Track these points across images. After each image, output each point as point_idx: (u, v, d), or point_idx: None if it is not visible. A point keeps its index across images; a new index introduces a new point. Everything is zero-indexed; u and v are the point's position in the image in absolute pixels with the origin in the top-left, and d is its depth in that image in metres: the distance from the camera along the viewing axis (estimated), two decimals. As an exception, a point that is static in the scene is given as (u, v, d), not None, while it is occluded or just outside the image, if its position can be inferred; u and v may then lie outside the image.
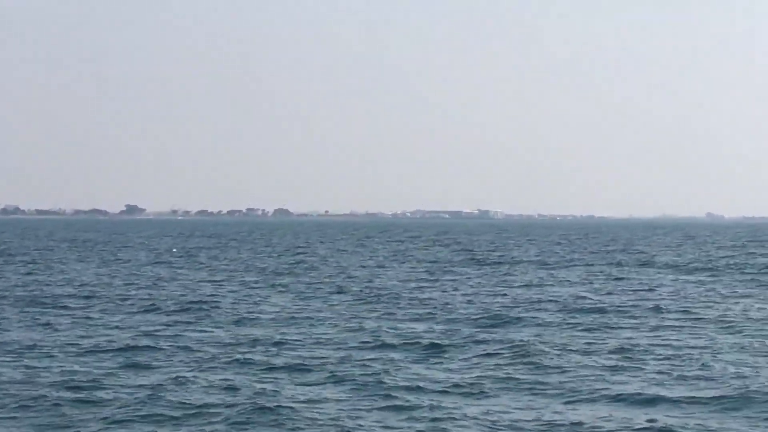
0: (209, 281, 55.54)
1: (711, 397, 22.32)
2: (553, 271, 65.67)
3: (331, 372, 24.90)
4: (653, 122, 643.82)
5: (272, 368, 25.53)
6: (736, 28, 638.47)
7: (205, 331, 32.85)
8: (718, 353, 28.15)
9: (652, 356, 27.57)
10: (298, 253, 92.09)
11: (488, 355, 27.86)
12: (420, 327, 34.16)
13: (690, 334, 32.86)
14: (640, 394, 22.56)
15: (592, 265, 72.83)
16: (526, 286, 52.68)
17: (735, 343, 30.32)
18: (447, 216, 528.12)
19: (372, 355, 27.63)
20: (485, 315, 37.75)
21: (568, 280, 56.72)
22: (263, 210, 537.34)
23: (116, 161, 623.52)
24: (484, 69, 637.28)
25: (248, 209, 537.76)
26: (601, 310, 39.75)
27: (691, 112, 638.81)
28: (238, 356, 27.18)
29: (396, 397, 22.04)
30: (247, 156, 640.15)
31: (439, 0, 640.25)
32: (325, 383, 23.70)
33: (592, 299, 44.55)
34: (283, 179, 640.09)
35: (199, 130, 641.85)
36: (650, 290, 49.56)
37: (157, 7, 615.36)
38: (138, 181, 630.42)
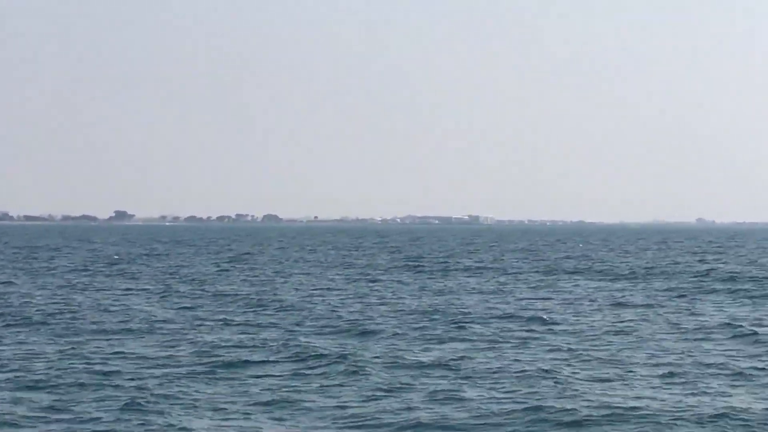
0: (105, 290, 53.62)
1: (483, 422, 20.46)
2: (479, 278, 64.02)
3: (102, 391, 22.99)
4: (647, 127, 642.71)
5: (47, 386, 23.71)
6: (736, 28, 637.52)
7: (22, 345, 30.91)
8: (541, 369, 26.22)
9: (469, 373, 25.66)
10: (234, 260, 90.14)
11: (293, 372, 25.95)
12: (258, 339, 32.17)
13: (544, 346, 31.05)
14: (411, 418, 20.74)
15: (522, 273, 70.89)
16: (426, 294, 50.84)
17: (579, 357, 28.50)
18: (437, 222, 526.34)
19: (163, 371, 25.73)
20: (344, 327, 35.90)
21: (480, 290, 54.70)
22: (252, 216, 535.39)
23: (106, 167, 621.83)
24: (484, 69, 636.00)
25: (237, 215, 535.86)
26: (475, 321, 37.93)
27: (687, 114, 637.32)
28: (22, 373, 25.29)
29: (147, 422, 20.20)
30: (238, 161, 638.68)
31: (439, 0, 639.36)
32: (83, 403, 21.83)
33: (477, 309, 42.72)
34: (273, 184, 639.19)
35: (190, 135, 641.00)
36: (546, 299, 47.72)
37: (156, 8, 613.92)
38: (128, 186, 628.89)
